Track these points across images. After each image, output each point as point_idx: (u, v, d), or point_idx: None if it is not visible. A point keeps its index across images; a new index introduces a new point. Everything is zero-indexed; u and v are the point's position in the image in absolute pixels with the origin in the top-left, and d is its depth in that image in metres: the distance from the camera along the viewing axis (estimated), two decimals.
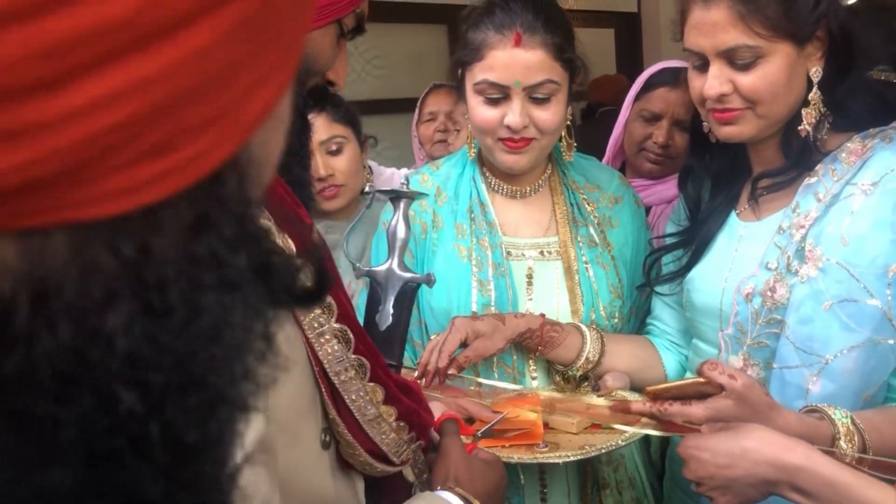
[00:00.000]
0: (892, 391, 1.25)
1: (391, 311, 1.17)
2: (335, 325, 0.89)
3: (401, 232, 1.20)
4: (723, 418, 1.14)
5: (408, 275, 1.19)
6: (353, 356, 0.91)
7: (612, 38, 4.84)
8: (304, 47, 0.70)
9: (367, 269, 1.21)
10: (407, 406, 1.00)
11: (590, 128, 3.69)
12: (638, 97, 2.04)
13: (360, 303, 1.57)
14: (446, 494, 1.01)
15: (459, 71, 1.49)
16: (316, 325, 0.88)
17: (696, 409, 1.15)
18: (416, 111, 2.82)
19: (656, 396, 1.22)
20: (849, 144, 1.28)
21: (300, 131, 0.97)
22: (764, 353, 1.29)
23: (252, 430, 0.72)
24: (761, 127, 1.29)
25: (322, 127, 1.90)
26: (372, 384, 0.93)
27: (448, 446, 1.10)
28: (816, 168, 1.28)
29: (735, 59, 1.24)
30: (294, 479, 0.87)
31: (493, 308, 1.47)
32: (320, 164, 1.89)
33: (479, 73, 1.42)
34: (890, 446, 1.17)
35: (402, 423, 0.99)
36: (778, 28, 1.21)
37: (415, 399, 1.03)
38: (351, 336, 0.90)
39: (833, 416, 1.16)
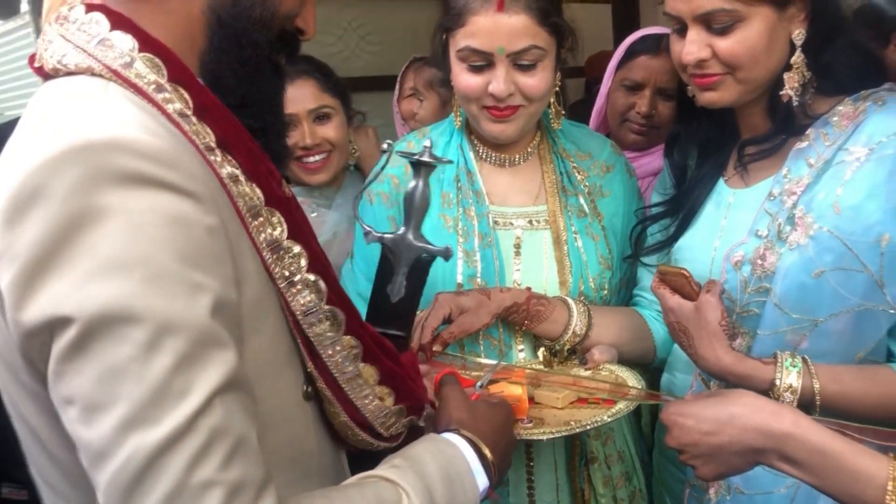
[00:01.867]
0: (894, 357, 1.23)
1: (404, 282, 1.14)
2: (307, 275, 0.87)
3: (420, 200, 1.16)
4: (678, 318, 1.26)
5: (424, 245, 1.15)
6: (326, 307, 0.88)
7: (609, 13, 4.77)
8: None
9: (380, 234, 1.16)
10: (389, 368, 0.97)
11: (589, 103, 3.65)
12: (619, 66, 2.01)
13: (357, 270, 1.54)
14: (449, 436, 0.99)
15: (443, 37, 1.45)
16: (287, 274, 0.86)
17: (670, 300, 1.27)
18: (397, 86, 2.77)
19: (662, 274, 1.30)
20: (840, 108, 1.24)
21: (271, 77, 0.95)
22: (753, 321, 1.27)
23: (222, 365, 0.72)
24: (742, 92, 1.26)
25: (311, 95, 1.86)
26: (348, 337, 0.91)
27: (448, 394, 1.08)
28: (807, 132, 1.25)
29: (712, 23, 1.22)
30: (275, 427, 0.86)
31: (479, 280, 1.44)
32: (307, 132, 1.84)
33: (462, 39, 1.38)
34: (853, 399, 1.17)
35: (386, 389, 0.97)
36: None
37: (397, 363, 1.00)
38: (323, 286, 0.88)
39: (784, 362, 1.17)
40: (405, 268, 1.15)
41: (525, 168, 1.54)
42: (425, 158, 1.16)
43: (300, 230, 0.88)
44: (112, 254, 0.70)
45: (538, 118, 1.50)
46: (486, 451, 0.98)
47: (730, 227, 1.34)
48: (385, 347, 0.99)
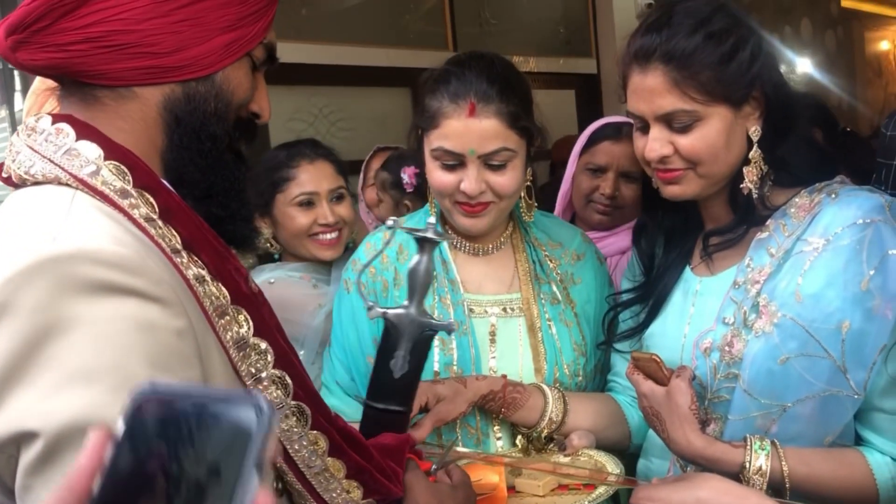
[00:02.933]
0: (863, 442, 1.26)
1: (408, 357, 1.15)
2: (273, 371, 0.88)
3: (424, 275, 1.18)
4: (651, 403, 1.29)
5: (428, 320, 1.17)
6: (292, 402, 0.89)
7: (573, 99, 4.94)
8: (269, 27, 0.98)
9: (383, 310, 1.18)
10: (356, 462, 0.98)
11: (555, 185, 3.74)
12: (583, 151, 2.10)
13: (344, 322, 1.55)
14: None
15: (418, 133, 1.50)
16: (253, 371, 0.87)
17: (643, 385, 1.30)
18: (361, 175, 2.82)
19: (635, 360, 1.33)
20: (797, 199, 1.31)
21: (234, 166, 0.98)
22: (724, 406, 1.30)
23: None
24: (703, 185, 1.32)
25: (330, 176, 1.98)
26: (315, 432, 0.92)
27: (410, 481, 1.08)
28: (767, 223, 1.31)
29: (673, 123, 1.28)
30: None
31: (455, 367, 1.46)
32: (328, 211, 1.94)
33: (435, 140, 1.43)
34: (821, 481, 1.20)
35: (354, 483, 0.97)
36: (712, 92, 1.25)
37: (365, 456, 1.01)
38: (289, 381, 0.89)
39: (752, 445, 1.20)
40: (408, 343, 1.17)
41: (498, 257, 1.58)
42: (430, 235, 1.19)
43: (266, 326, 0.90)
44: (78, 364, 0.70)
45: (509, 211, 1.55)
46: None
47: (698, 314, 1.38)
48: (354, 440, 1.00)
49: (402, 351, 1.16)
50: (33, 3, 0.84)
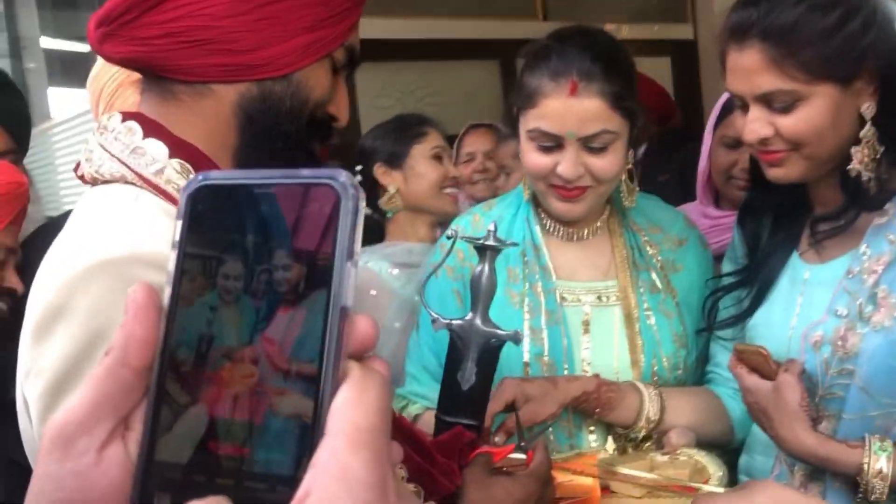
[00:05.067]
0: None
1: (475, 368, 1.11)
2: None
3: (487, 284, 1.14)
4: (757, 399, 1.21)
5: (493, 330, 1.13)
6: None
7: (669, 67, 4.74)
8: (352, 29, 0.98)
9: (447, 321, 1.14)
10: (417, 465, 0.95)
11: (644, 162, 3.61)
12: (717, 124, 1.97)
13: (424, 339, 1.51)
14: None
15: (514, 112, 1.43)
16: None
17: (747, 379, 1.23)
18: (454, 152, 2.78)
19: (739, 353, 1.26)
20: None
21: (306, 166, 0.95)
22: (837, 403, 1.20)
23: None
24: (809, 167, 1.22)
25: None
26: None
27: (466, 475, 1.04)
28: (886, 208, 1.20)
29: (773, 103, 1.18)
30: None
31: (546, 358, 1.39)
32: (451, 166, 2.07)
33: (532, 120, 1.36)
34: None
35: (411, 486, 0.94)
36: (815, 71, 1.14)
37: (427, 458, 0.98)
38: None
39: (872, 446, 1.12)
40: (475, 354, 1.12)
41: (594, 242, 1.49)
42: (490, 242, 1.14)
43: None
44: None
45: (607, 196, 1.46)
46: None
47: (806, 305, 1.28)
48: (416, 441, 0.98)
49: (469, 363, 1.12)
50: None
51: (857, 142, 1.19)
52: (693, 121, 3.84)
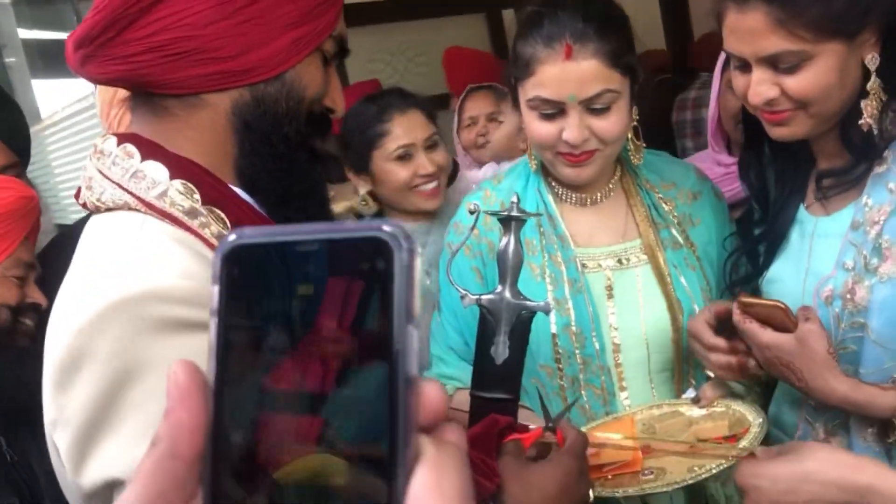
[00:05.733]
0: None
1: (507, 342, 1.10)
2: None
3: (514, 256, 1.13)
4: (779, 353, 1.16)
5: (523, 302, 1.12)
6: None
7: (658, 8, 4.65)
8: (338, 17, 0.93)
9: (476, 297, 1.13)
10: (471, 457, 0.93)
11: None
12: (724, 67, 1.92)
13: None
14: None
15: (512, 82, 1.40)
16: None
17: (764, 335, 1.18)
18: (455, 116, 2.74)
19: (745, 306, 1.21)
20: None
21: (309, 166, 0.94)
22: (851, 357, 1.19)
23: None
24: (814, 125, 1.19)
25: (422, 125, 1.91)
26: None
27: (502, 475, 1.00)
28: (885, 155, 1.17)
29: (779, 64, 1.14)
30: None
31: (573, 328, 1.39)
32: (426, 161, 1.88)
33: (531, 89, 1.33)
34: None
35: None
36: (823, 29, 1.10)
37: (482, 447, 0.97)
38: None
39: None
40: (506, 327, 1.11)
41: (608, 205, 1.47)
42: (514, 213, 1.13)
43: None
44: (158, 408, 0.69)
45: (616, 156, 1.44)
46: None
47: (817, 259, 1.27)
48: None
49: (501, 336, 1.11)
50: (97, 17, 0.81)
51: (864, 95, 1.16)
52: (682, 53, 3.78)
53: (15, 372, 1.40)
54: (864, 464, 0.99)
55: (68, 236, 1.75)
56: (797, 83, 1.14)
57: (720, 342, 1.26)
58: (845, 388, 1.14)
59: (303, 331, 0.35)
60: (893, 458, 1.17)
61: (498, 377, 1.12)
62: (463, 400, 1.20)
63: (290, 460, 0.34)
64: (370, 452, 0.34)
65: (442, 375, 1.50)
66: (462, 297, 1.14)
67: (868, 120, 1.16)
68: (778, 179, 1.36)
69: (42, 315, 1.50)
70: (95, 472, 0.72)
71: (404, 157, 1.88)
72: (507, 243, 1.13)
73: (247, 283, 0.36)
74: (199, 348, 0.70)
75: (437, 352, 1.53)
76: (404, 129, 1.89)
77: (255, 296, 0.36)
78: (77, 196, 0.89)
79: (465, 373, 1.44)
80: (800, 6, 1.09)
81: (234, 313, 0.36)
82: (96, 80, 0.88)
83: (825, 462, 1.00)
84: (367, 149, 1.89)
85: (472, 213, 1.16)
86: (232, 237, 0.36)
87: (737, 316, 1.22)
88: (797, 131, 1.20)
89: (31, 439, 1.45)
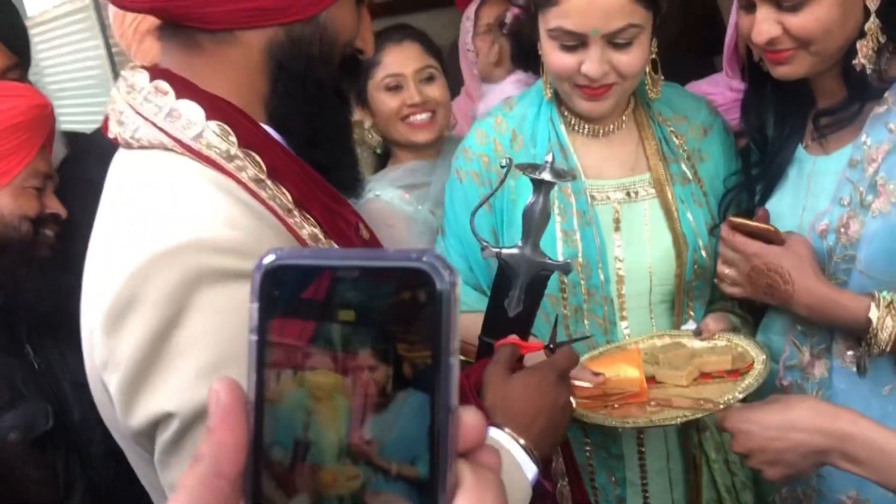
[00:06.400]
0: None
1: (522, 297, 1.12)
2: None
3: (539, 215, 1.14)
4: (767, 259, 1.25)
5: (543, 261, 1.13)
6: None
7: None
8: None
9: (498, 249, 1.15)
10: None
11: None
12: None
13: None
14: (492, 431, 0.97)
15: (532, 8, 1.38)
16: None
17: (752, 244, 1.27)
18: (470, 22, 2.62)
19: (735, 227, 1.29)
20: None
21: (338, 110, 0.95)
22: (840, 287, 1.25)
23: None
24: (815, 63, 1.23)
25: (416, 56, 1.88)
26: None
27: (486, 375, 1.04)
28: (885, 96, 1.22)
29: (782, 2, 1.17)
30: None
31: (580, 259, 1.41)
32: (414, 91, 1.85)
33: (554, 19, 1.31)
34: None
35: None
36: None
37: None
38: None
39: (881, 294, 1.18)
40: (524, 282, 1.13)
41: (619, 137, 1.47)
42: (547, 178, 1.13)
43: None
44: (206, 352, 0.73)
45: (633, 90, 1.43)
46: (521, 440, 0.96)
47: (813, 196, 1.31)
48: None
49: (516, 291, 1.12)
50: None
51: (862, 34, 1.19)
52: None
53: (37, 283, 1.40)
54: (841, 412, 1.06)
55: (83, 148, 1.72)
56: (799, 21, 1.17)
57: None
58: (826, 289, 1.22)
59: (343, 355, 0.36)
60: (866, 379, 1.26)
61: (508, 328, 1.14)
62: (468, 324, 1.23)
63: (330, 480, 0.36)
64: (409, 472, 0.35)
65: None
66: (483, 249, 1.16)
67: (862, 60, 1.19)
68: (777, 121, 1.40)
69: (62, 225, 1.48)
70: (145, 412, 0.74)
71: (394, 87, 1.86)
72: (535, 202, 1.14)
73: (286, 303, 0.37)
74: (242, 298, 0.72)
75: None
76: (395, 59, 1.87)
77: (294, 317, 0.37)
78: (105, 130, 0.88)
79: (468, 297, 1.47)
80: None
81: (272, 332, 0.37)
82: (133, 9, 0.86)
83: (808, 410, 1.09)
84: (364, 78, 1.88)
85: (503, 167, 1.16)
86: (270, 257, 0.37)
87: (725, 232, 1.30)
88: (798, 69, 1.24)
89: (54, 348, 1.46)
